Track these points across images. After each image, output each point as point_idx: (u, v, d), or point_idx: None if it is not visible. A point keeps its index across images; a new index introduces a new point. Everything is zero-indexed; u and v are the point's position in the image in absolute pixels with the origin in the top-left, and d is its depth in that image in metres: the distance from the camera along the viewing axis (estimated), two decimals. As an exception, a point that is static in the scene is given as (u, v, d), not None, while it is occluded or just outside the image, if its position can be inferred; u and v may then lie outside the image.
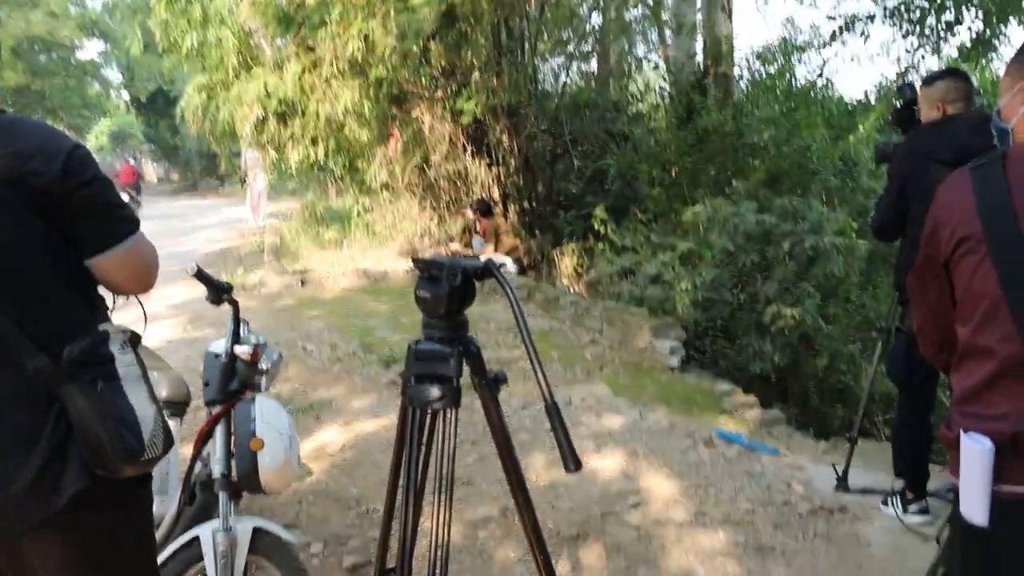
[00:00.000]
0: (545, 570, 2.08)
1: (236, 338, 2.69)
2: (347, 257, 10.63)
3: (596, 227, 9.91)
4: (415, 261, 1.95)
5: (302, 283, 9.40)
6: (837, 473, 4.22)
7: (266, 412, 2.74)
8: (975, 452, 1.48)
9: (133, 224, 1.68)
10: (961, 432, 1.53)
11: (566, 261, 10.24)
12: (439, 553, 1.85)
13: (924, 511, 3.75)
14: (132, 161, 24.40)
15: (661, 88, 11.89)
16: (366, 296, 8.69)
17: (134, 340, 1.67)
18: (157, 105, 35.69)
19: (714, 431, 4.94)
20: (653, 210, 9.95)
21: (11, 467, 1.47)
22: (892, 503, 3.88)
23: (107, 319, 1.69)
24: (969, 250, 1.50)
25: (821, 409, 7.02)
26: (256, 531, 2.53)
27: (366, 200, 11.62)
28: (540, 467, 4.26)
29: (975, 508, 1.49)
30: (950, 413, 1.59)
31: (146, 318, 2.02)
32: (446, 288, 1.86)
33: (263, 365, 2.73)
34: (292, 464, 2.75)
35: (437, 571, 1.87)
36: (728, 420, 5.47)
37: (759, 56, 12.29)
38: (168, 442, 1.63)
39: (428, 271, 1.90)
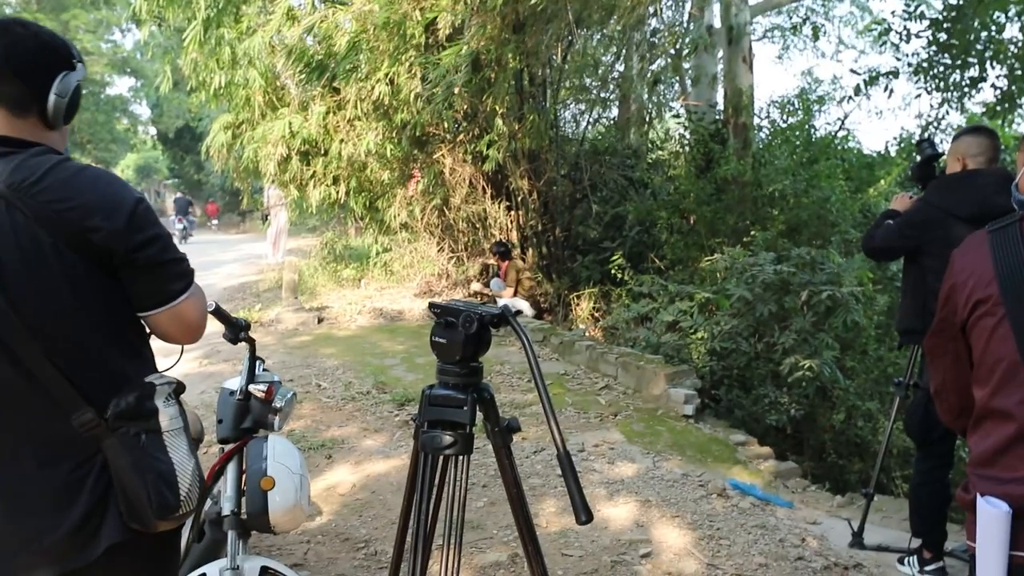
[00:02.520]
0: (553, 620, 2.06)
1: (251, 376, 2.70)
2: (364, 296, 10.68)
3: (614, 272, 9.92)
4: (432, 306, 1.96)
5: (319, 320, 9.44)
6: (852, 529, 4.17)
7: (278, 451, 2.74)
8: (992, 516, 1.46)
9: (188, 279, 1.68)
10: (978, 496, 1.51)
11: (583, 305, 10.24)
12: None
13: (941, 571, 3.68)
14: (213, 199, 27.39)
15: (681, 136, 11.97)
16: (382, 335, 8.71)
17: (178, 391, 1.68)
18: (183, 141, 36.25)
19: (728, 482, 4.89)
20: (671, 257, 9.96)
21: (54, 514, 1.48)
22: (909, 562, 3.82)
23: (154, 368, 1.69)
24: (986, 312, 1.51)
25: (837, 463, 6.92)
26: (264, 570, 2.52)
27: (385, 240, 11.70)
28: (551, 513, 4.22)
29: (991, 572, 1.47)
30: (967, 476, 1.58)
31: (181, 354, 2.04)
32: (461, 335, 1.86)
33: (277, 403, 2.75)
34: (302, 504, 2.74)
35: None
36: (742, 471, 5.40)
37: (779, 107, 12.37)
38: (203, 496, 1.65)
39: (444, 317, 1.91)
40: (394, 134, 9.88)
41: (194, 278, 1.71)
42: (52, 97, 1.57)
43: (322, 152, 10.31)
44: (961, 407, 1.67)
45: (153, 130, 41.07)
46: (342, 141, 10.00)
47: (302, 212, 13.04)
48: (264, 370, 2.81)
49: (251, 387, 2.69)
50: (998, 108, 9.14)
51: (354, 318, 9.63)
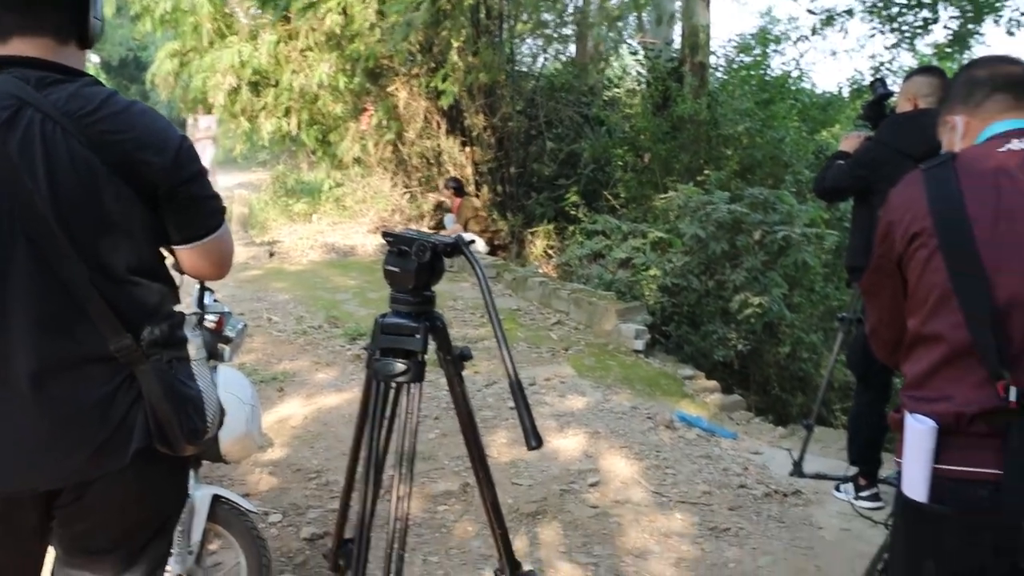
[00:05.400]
0: (503, 544, 2.11)
1: (201, 307, 2.68)
2: (316, 230, 10.56)
3: (568, 210, 9.94)
4: (385, 235, 1.96)
5: (270, 255, 9.35)
6: (793, 458, 4.32)
7: (228, 381, 2.73)
8: (918, 432, 1.54)
9: (221, 216, 1.73)
10: (906, 413, 1.60)
11: (537, 243, 10.26)
12: (398, 525, 1.87)
13: (875, 497, 3.85)
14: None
15: (638, 74, 11.90)
16: (334, 270, 8.66)
17: (201, 322, 1.72)
18: (128, 70, 35.09)
19: (675, 414, 5.01)
20: (625, 195, 10.00)
21: (92, 425, 1.54)
22: (845, 489, 3.98)
23: (179, 300, 1.74)
24: (921, 244, 1.57)
25: (781, 396, 7.13)
26: (215, 499, 2.54)
27: (338, 174, 11.54)
28: (502, 444, 4.30)
29: (916, 485, 1.56)
30: (901, 399, 1.65)
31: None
32: (415, 263, 1.87)
33: (228, 334, 2.73)
34: (253, 434, 2.74)
35: (395, 543, 1.89)
36: (689, 404, 5.54)
37: (736, 46, 12.36)
38: (223, 419, 1.75)
39: (398, 246, 1.91)
40: (347, 66, 9.69)
41: (225, 218, 1.76)
42: (92, 21, 1.60)
43: (273, 83, 10.08)
44: (896, 343, 1.74)
45: (96, 58, 39.65)
46: (294, 72, 9.79)
47: (253, 145, 12.78)
48: (214, 301, 2.79)
49: (203, 318, 2.66)
50: (948, 49, 9.26)
51: (306, 253, 9.55)
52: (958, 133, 1.75)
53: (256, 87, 10.34)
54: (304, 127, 10.79)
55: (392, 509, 1.84)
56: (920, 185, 1.62)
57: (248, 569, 2.55)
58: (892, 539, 1.78)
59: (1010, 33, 9.62)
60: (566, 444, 4.40)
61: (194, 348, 1.69)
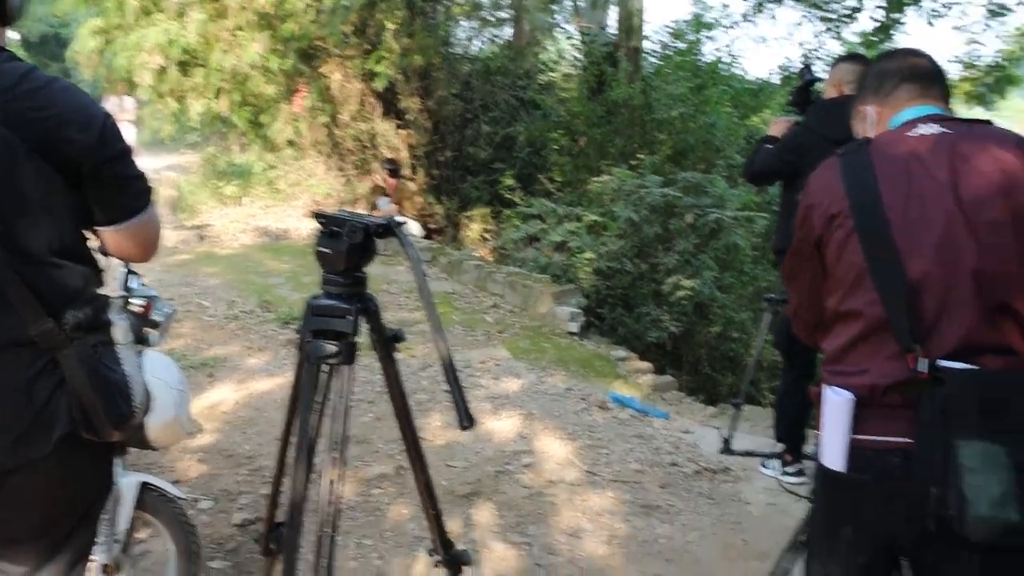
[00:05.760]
0: (436, 525, 2.13)
1: (127, 290, 2.62)
2: (248, 214, 10.37)
3: (504, 193, 9.95)
4: (317, 215, 1.94)
5: (200, 238, 9.15)
6: (722, 437, 4.41)
7: (155, 366, 2.67)
8: (836, 404, 1.61)
9: (148, 197, 1.68)
10: (825, 387, 1.66)
11: (472, 226, 10.26)
12: (330, 508, 1.86)
13: (800, 472, 3.96)
14: None
15: (574, 58, 11.95)
16: (266, 254, 8.52)
17: (126, 306, 1.68)
18: (48, 47, 33.85)
19: (608, 395, 5.08)
20: (561, 179, 10.06)
21: (15, 412, 1.50)
22: (772, 465, 4.10)
23: (102, 283, 1.69)
24: (838, 225, 1.64)
25: (712, 376, 7.29)
26: (143, 487, 2.49)
27: (270, 157, 11.33)
28: (436, 427, 4.30)
29: (835, 455, 1.62)
30: (821, 374, 1.71)
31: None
32: (346, 244, 1.85)
33: (155, 318, 2.67)
34: (181, 419, 2.69)
35: (327, 526, 1.89)
36: (623, 385, 5.62)
37: (670, 32, 12.48)
38: (150, 404, 1.72)
39: (329, 226, 1.90)
40: (279, 46, 9.51)
41: (151, 199, 1.71)
42: None
43: (202, 63, 9.83)
44: (816, 323, 1.80)
45: (16, 35, 38.22)
46: (224, 52, 9.56)
47: (182, 126, 12.46)
48: (142, 285, 2.72)
49: (128, 302, 2.60)
50: (873, 38, 9.51)
51: (237, 236, 9.38)
52: (870, 121, 1.84)
53: (184, 67, 10.07)
54: (235, 108, 10.56)
55: (323, 492, 1.83)
56: (837, 170, 1.69)
57: (177, 556, 2.52)
58: (812, 508, 1.84)
59: (930, 23, 9.94)
60: (501, 426, 4.42)
61: (120, 332, 1.65)
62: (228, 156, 12.63)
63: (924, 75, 1.79)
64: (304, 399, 1.93)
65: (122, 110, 12.25)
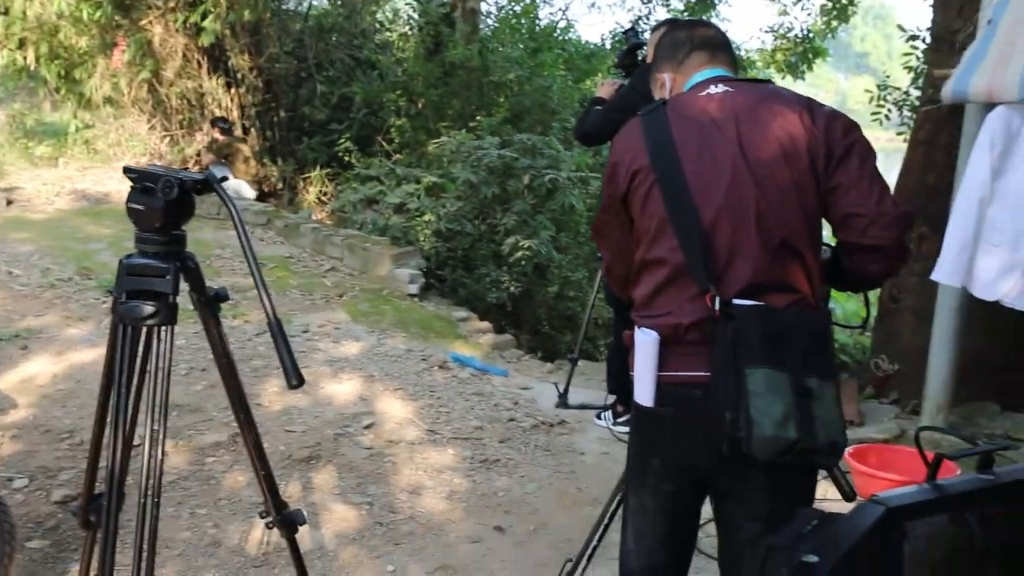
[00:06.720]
0: (267, 485, 2.09)
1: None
2: (63, 176, 9.62)
3: (342, 155, 9.74)
4: (127, 171, 1.84)
5: (8, 202, 8.45)
6: (559, 391, 4.56)
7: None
8: (644, 343, 1.74)
9: None
10: (636, 329, 1.78)
11: (310, 189, 9.99)
12: (152, 476, 1.79)
13: (630, 422, 4.15)
14: None
15: (410, 17, 11.78)
16: (85, 218, 7.97)
17: None
18: None
19: (449, 355, 5.13)
20: (399, 140, 9.94)
21: None
22: (604, 417, 4.28)
23: None
24: (641, 180, 1.78)
25: (551, 334, 7.49)
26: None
27: (86, 115, 10.55)
28: (273, 393, 4.21)
29: (645, 392, 1.75)
30: (633, 320, 1.82)
31: None
32: (161, 201, 1.77)
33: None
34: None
35: (150, 493, 1.82)
36: (463, 345, 5.68)
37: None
38: None
39: (142, 182, 1.81)
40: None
41: None
42: None
43: (2, 10, 9.01)
44: (627, 276, 1.92)
45: None
46: (27, -1, 8.80)
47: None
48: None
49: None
50: (696, 6, 9.94)
51: (51, 200, 8.71)
52: (667, 88, 1.99)
53: (-19, 14, 9.20)
54: (44, 61, 9.74)
55: (145, 458, 1.76)
56: (639, 128, 1.83)
57: (-13, 537, 2.36)
58: (628, 444, 1.97)
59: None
60: (340, 389, 4.38)
61: None
62: (39, 113, 11.68)
63: (712, 43, 1.95)
64: (120, 363, 1.84)
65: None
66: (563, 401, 4.52)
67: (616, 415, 4.21)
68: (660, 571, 1.90)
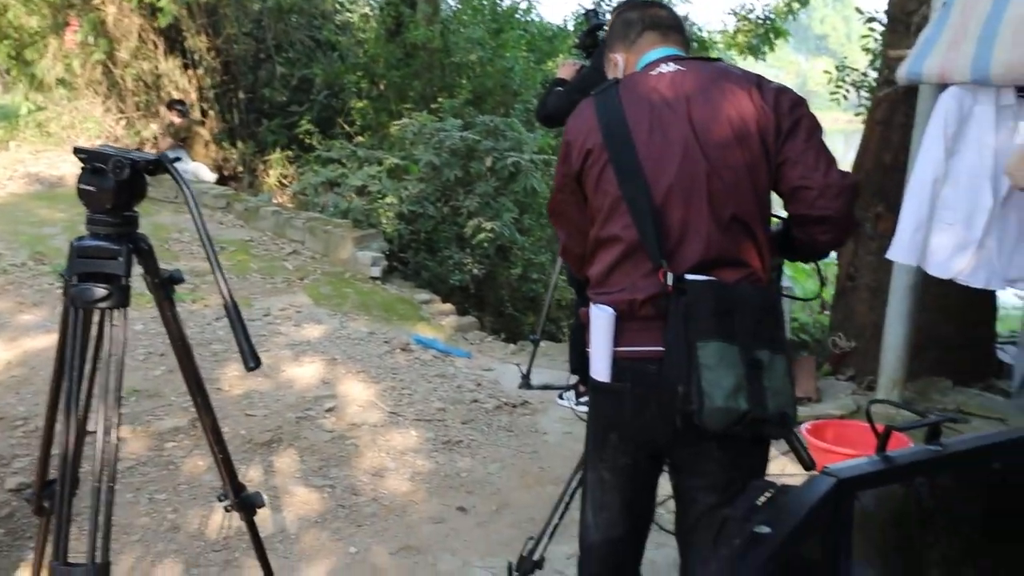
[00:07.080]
0: (225, 468, 2.08)
1: None
2: (15, 159, 9.41)
3: (302, 137, 9.64)
4: (77, 151, 1.81)
5: (-42, 188, 8.25)
6: (522, 372, 4.57)
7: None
8: (600, 319, 1.76)
9: None
10: (591, 306, 1.80)
11: (270, 172, 9.88)
12: (106, 460, 1.77)
13: (592, 401, 4.18)
14: None
15: (370, -2, 11.66)
16: (38, 203, 7.81)
17: None
18: None
19: (412, 337, 5.12)
20: (360, 122, 9.86)
21: None
22: (567, 396, 4.30)
23: None
24: (595, 160, 1.79)
25: (514, 316, 7.50)
26: None
27: (39, 97, 10.32)
28: (233, 377, 4.17)
29: (600, 367, 1.78)
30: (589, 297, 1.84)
31: None
32: (112, 182, 1.75)
33: None
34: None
35: (104, 477, 1.80)
36: (426, 327, 5.68)
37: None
38: None
39: (92, 163, 1.78)
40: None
41: None
42: None
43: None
44: (583, 255, 1.93)
45: None
46: (-26, -23, 8.56)
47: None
48: None
49: None
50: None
51: (3, 184, 8.51)
52: (620, 68, 1.99)
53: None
54: (-7, 42, 9.53)
55: (99, 442, 1.74)
56: (592, 108, 1.83)
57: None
58: (587, 420, 1.99)
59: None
60: (302, 372, 4.36)
61: None
62: (-12, 95, 11.41)
63: (664, 23, 1.96)
64: (72, 347, 1.82)
65: None
66: (526, 382, 4.53)
67: (579, 395, 4.23)
68: (618, 544, 1.92)
